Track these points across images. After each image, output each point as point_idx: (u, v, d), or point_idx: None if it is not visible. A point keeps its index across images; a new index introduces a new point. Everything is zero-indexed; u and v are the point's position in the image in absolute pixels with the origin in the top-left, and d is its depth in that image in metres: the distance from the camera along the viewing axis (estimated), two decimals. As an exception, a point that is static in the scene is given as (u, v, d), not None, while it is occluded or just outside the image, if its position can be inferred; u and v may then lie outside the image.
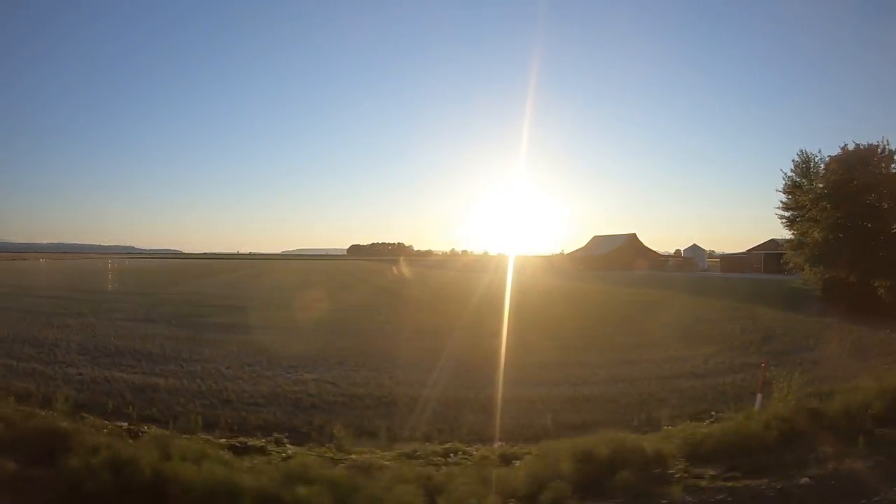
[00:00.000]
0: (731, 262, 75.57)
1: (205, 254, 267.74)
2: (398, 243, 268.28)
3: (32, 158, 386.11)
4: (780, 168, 32.73)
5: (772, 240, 72.31)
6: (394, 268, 74.30)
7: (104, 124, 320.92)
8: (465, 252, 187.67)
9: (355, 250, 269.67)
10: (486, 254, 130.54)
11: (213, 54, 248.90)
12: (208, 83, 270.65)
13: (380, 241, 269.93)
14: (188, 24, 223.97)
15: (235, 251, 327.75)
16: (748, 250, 73.45)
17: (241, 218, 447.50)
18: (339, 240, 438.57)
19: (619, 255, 72.51)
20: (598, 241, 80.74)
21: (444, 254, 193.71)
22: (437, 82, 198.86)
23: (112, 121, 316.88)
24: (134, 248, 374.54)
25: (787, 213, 32.79)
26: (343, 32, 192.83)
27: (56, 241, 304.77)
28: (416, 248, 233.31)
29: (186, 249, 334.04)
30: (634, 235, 76.80)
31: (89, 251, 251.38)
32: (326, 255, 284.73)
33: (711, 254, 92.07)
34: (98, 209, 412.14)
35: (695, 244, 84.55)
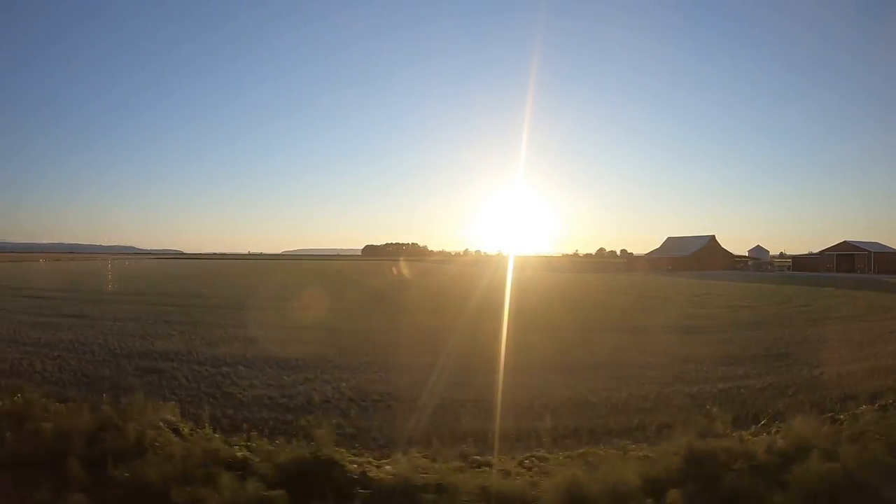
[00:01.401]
0: (802, 262, 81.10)
1: (214, 254, 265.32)
2: (412, 243, 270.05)
3: (33, 159, 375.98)
4: None
5: (844, 241, 78.31)
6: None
7: (108, 126, 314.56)
8: (477, 252, 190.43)
9: (370, 250, 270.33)
10: (500, 253, 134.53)
11: (223, 58, 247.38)
12: (223, 87, 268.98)
13: (394, 242, 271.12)
14: (194, 27, 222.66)
15: (247, 251, 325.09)
16: (821, 251, 79.04)
17: (243, 219, 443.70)
18: (356, 240, 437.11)
19: (702, 256, 77.04)
20: (673, 242, 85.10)
21: (457, 253, 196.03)
22: (458, 85, 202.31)
23: (117, 122, 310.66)
24: (134, 248, 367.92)
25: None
26: (357, 39, 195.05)
27: (56, 242, 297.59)
28: (430, 249, 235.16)
29: (187, 250, 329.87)
30: (714, 237, 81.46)
31: (90, 251, 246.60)
32: (338, 255, 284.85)
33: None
34: (99, 210, 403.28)
35: (758, 245, 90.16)
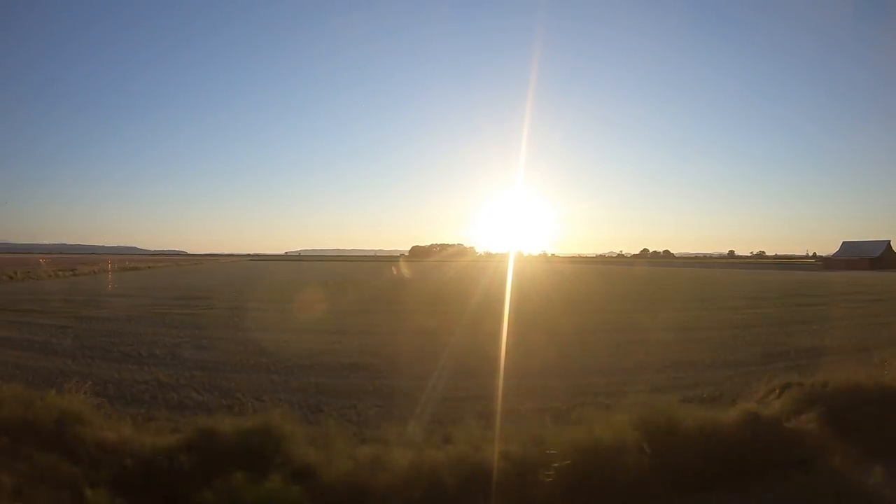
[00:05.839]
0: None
1: (251, 254, 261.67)
2: (458, 244, 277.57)
3: (35, 159, 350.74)
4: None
5: None
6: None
7: (111, 126, 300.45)
8: (520, 253, 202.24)
9: (416, 251, 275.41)
10: (544, 254, 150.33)
11: (225, 60, 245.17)
12: (230, 88, 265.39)
13: (439, 243, 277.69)
14: (195, 30, 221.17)
15: (283, 252, 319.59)
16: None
17: (250, 219, 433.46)
18: (402, 241, 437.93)
19: (885, 257, 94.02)
20: (849, 245, 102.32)
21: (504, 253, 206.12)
22: (489, 90, 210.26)
23: (120, 123, 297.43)
24: (137, 248, 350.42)
25: None
26: (360, 40, 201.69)
27: (58, 242, 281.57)
28: (476, 249, 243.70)
29: (189, 251, 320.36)
30: (890, 242, 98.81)
31: (92, 252, 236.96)
32: (375, 255, 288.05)
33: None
34: (101, 210, 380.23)
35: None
